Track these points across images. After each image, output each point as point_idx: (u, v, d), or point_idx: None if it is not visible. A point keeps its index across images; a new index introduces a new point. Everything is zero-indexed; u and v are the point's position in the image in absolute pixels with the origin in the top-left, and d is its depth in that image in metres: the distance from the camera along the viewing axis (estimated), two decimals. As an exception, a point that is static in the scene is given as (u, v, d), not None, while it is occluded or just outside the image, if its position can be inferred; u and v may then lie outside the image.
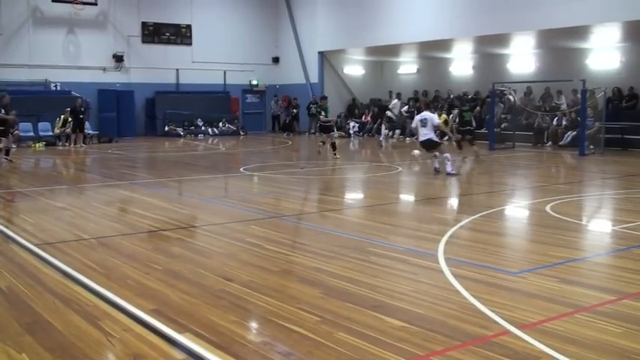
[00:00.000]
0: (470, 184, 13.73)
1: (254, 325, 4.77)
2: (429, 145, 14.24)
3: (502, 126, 22.52)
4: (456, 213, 10.14)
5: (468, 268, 6.15)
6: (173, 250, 7.11)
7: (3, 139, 16.76)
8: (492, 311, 4.83)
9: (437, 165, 14.26)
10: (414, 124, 14.86)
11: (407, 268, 6.19)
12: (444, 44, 24.62)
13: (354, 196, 12.24)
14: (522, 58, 25.11)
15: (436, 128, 14.59)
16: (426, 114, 14.48)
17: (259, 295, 5.32)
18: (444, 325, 4.58)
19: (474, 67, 27.42)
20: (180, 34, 29.41)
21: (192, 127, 28.34)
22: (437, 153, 14.29)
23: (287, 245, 7.43)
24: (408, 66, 30.62)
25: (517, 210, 10.22)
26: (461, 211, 10.35)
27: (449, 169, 13.81)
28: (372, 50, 27.89)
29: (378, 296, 5.27)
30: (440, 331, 4.47)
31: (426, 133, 14.10)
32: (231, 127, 29.38)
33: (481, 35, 22.17)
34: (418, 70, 30.16)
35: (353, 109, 30.60)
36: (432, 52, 27.38)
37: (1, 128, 16.68)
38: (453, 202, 11.31)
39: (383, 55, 29.45)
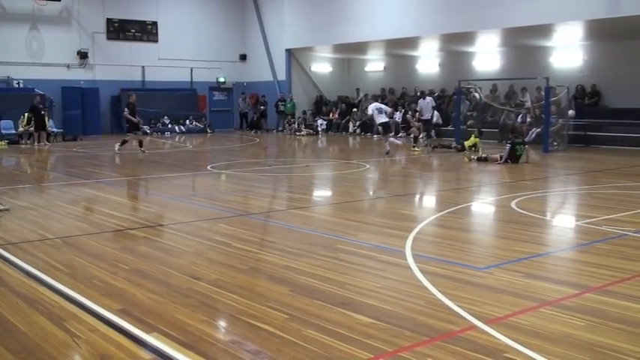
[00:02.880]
0: (437, 180, 13.85)
1: (222, 323, 4.75)
2: (386, 127, 17.93)
3: (468, 123, 22.75)
4: (423, 210, 10.21)
5: (436, 264, 6.21)
6: (140, 249, 7.04)
7: None
8: (459, 306, 4.88)
9: (388, 148, 17.44)
10: (370, 111, 18.23)
11: (375, 265, 6.22)
12: (411, 42, 24.78)
13: (322, 193, 12.26)
14: (487, 56, 25.42)
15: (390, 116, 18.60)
16: (382, 105, 18.51)
17: (227, 294, 5.30)
18: (412, 321, 4.62)
19: (440, 65, 27.66)
20: (145, 31, 29.11)
21: (158, 125, 28.08)
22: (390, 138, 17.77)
23: (255, 243, 7.41)
24: (375, 63, 30.75)
25: (483, 206, 10.34)
26: (428, 207, 10.44)
27: (387, 147, 17.39)
28: (340, 48, 27.94)
29: (346, 293, 5.29)
30: (408, 327, 4.50)
31: (383, 117, 17.69)
32: (199, 124, 29.18)
33: (447, 33, 22.35)
34: (385, 67, 30.32)
35: (320, 107, 30.65)
36: (399, 49, 27.54)
37: None
38: (420, 198, 11.40)
39: (350, 52, 29.53)
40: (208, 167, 15.37)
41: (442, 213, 9.14)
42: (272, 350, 4.12)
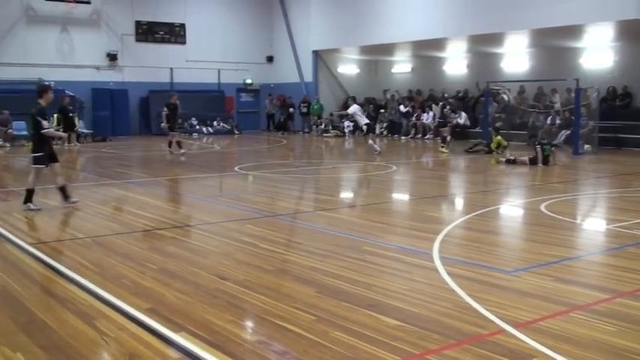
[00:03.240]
0: (464, 182, 13.76)
1: (249, 324, 4.77)
2: (370, 127, 19.50)
3: (496, 125, 22.55)
4: (451, 212, 10.15)
5: (463, 266, 6.17)
6: (168, 249, 7.10)
7: None
8: (487, 310, 4.85)
9: (378, 148, 18.50)
10: (350, 110, 19.38)
11: (402, 267, 6.20)
12: (438, 43, 24.65)
13: (348, 195, 12.25)
14: (516, 57, 25.16)
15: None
16: (357, 107, 19.77)
17: (254, 294, 5.32)
18: (440, 324, 4.59)
19: (468, 66, 27.46)
20: (174, 33, 29.37)
21: (186, 126, 28.30)
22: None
23: (282, 244, 7.43)
24: (402, 65, 30.64)
25: (511, 209, 10.25)
26: (455, 210, 10.37)
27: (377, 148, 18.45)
28: (367, 49, 27.90)
29: (373, 295, 5.28)
30: (435, 329, 4.48)
31: (365, 118, 19.53)
32: (226, 126, 29.35)
33: (475, 34, 22.20)
34: (412, 68, 30.19)
35: (347, 109, 30.58)
36: (426, 51, 27.41)
37: None
38: (448, 200, 11.33)
39: (377, 54, 29.47)
40: (235, 168, 15.45)
41: (470, 215, 9.08)
42: (299, 351, 4.13)
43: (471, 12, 21.63)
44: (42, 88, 9.79)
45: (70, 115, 22.79)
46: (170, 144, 18.83)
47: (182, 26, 29.47)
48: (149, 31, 28.72)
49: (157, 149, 19.25)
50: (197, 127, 28.55)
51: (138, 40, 28.50)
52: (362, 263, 6.34)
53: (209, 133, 28.30)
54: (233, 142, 25.09)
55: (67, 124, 22.74)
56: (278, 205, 10.47)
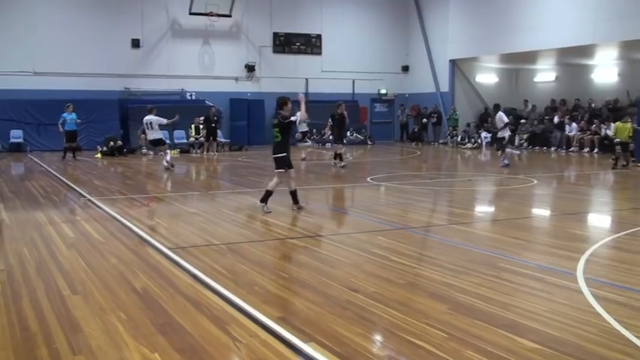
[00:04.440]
0: (613, 199, 12.99)
1: (379, 338, 4.74)
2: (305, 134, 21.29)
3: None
4: (597, 230, 9.61)
5: (611, 289, 5.81)
6: (300, 258, 7.24)
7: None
8: (637, 337, 4.52)
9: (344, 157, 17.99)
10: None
11: (542, 287, 5.93)
12: (586, 50, 23.48)
13: (485, 209, 11.94)
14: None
15: None
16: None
17: (385, 308, 5.29)
18: (581, 349, 4.35)
19: (619, 74, 25.96)
20: (310, 44, 30.08)
21: (321, 137, 28.79)
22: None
23: (414, 258, 7.35)
24: (545, 73, 29.53)
25: (667, 229, 9.53)
26: (603, 228, 9.80)
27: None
28: (507, 57, 27.14)
29: (509, 315, 5.09)
30: (576, 355, 4.24)
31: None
32: (359, 136, 29.58)
33: (628, 40, 20.93)
34: (557, 77, 29.00)
35: (485, 119, 29.92)
36: (573, 58, 26.20)
37: None
38: (594, 217, 10.73)
39: (518, 62, 28.58)
40: (368, 179, 15.51)
41: (619, 234, 8.54)
42: (429, 369, 4.05)
43: (623, 15, 20.46)
44: (282, 101, 10.54)
45: (213, 125, 23.92)
46: (336, 156, 18.28)
47: (318, 37, 30.12)
48: (286, 43, 29.60)
49: (292, 158, 19.65)
50: (330, 137, 28.89)
51: (275, 51, 29.47)
52: (498, 281, 6.13)
53: (342, 144, 28.54)
54: (366, 153, 25.23)
55: (210, 134, 23.94)
56: (410, 217, 10.38)
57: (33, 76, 25.21)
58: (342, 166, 17.83)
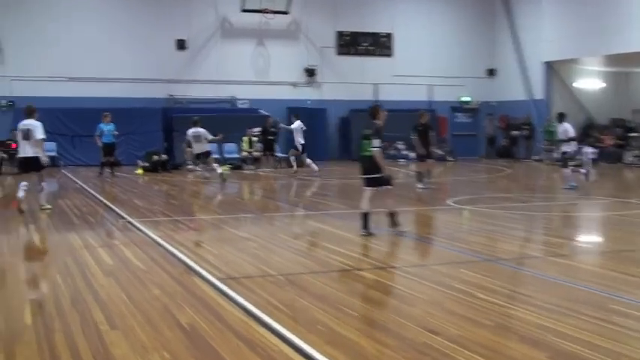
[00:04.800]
0: None
1: (464, 389, 4.66)
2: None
3: None
4: None
5: None
6: (369, 293, 7.20)
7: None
8: None
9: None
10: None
11: (661, 333, 5.74)
12: None
13: (589, 238, 11.66)
14: None
15: None
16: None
17: (469, 354, 5.20)
18: None
19: None
20: (379, 44, 30.17)
21: (391, 151, 28.71)
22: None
23: (504, 295, 7.22)
24: (662, 78, 28.82)
25: None
26: None
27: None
28: (614, 59, 26.59)
29: (622, 366, 4.94)
30: None
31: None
32: (438, 151, 29.34)
33: None
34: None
35: (589, 132, 29.31)
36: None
37: None
38: None
39: (628, 64, 27.94)
40: (448, 202, 15.36)
41: None
42: None
43: None
44: (374, 109, 10.67)
45: (270, 137, 24.03)
46: (421, 175, 17.84)
47: (389, 36, 30.19)
48: (352, 43, 29.76)
49: (357, 177, 19.66)
50: (403, 152, 28.84)
51: (339, 52, 29.66)
52: (607, 325, 5.96)
53: (430, 159, 28.36)
54: (446, 171, 25.04)
55: (266, 147, 24.05)
56: (499, 247, 10.22)
57: (67, 81, 26.01)
58: (425, 188, 17.48)
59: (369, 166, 10.47)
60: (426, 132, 18.07)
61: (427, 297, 7.04)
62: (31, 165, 13.30)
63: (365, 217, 10.47)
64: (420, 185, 17.68)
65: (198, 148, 19.40)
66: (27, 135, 13.24)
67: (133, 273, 8.04)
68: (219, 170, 18.79)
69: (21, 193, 12.93)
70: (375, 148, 10.25)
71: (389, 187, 10.63)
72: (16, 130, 16.75)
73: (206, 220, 12.86)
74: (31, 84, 25.09)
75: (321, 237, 11.16)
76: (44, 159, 13.37)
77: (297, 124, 22.08)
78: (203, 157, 19.97)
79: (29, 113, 13.58)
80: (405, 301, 6.87)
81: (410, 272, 8.35)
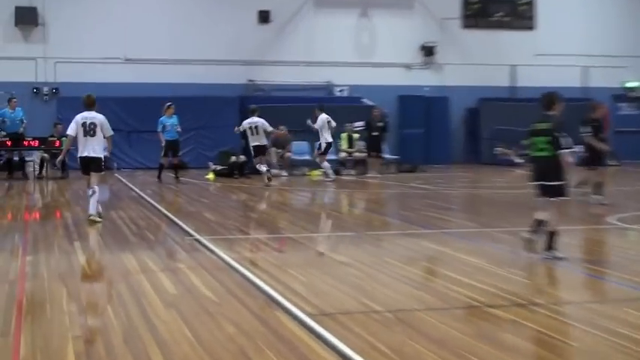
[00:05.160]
0: None
1: None
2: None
3: None
4: None
5: None
6: (504, 338, 7.03)
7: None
8: None
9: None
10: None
11: None
12: None
13: None
14: None
15: None
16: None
17: None
18: None
19: None
20: (517, 14, 29.76)
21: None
22: None
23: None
24: None
25: None
26: None
27: None
28: None
29: None
30: None
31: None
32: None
33: None
34: None
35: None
36: None
37: None
38: None
39: None
40: (610, 219, 14.95)
41: None
42: None
43: None
44: (551, 98, 10.86)
45: (376, 134, 24.00)
46: (596, 186, 17.56)
47: (530, 4, 29.70)
48: (482, 13, 29.49)
49: (489, 186, 19.40)
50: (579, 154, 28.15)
51: (466, 25, 29.41)
52: None
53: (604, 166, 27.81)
54: (608, 178, 24.37)
55: (371, 147, 23.90)
56: (679, 280, 9.87)
57: (123, 63, 26.61)
58: (605, 203, 17.01)
59: (546, 169, 10.39)
60: (600, 129, 17.48)
61: (583, 345, 6.87)
62: (92, 165, 13.87)
63: (551, 235, 10.36)
64: (597, 197, 17.27)
65: (253, 140, 19.83)
66: (93, 130, 13.78)
67: (201, 305, 8.10)
68: (264, 169, 19.55)
69: (92, 209, 13.56)
70: (564, 150, 10.20)
71: (564, 197, 10.54)
72: (60, 123, 17.37)
73: (294, 238, 12.86)
74: (79, 67, 25.74)
75: (440, 263, 11.02)
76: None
77: (322, 119, 22.02)
78: (258, 153, 20.37)
79: (91, 104, 14.28)
80: (553, 350, 6.68)
81: (559, 312, 8.14)
